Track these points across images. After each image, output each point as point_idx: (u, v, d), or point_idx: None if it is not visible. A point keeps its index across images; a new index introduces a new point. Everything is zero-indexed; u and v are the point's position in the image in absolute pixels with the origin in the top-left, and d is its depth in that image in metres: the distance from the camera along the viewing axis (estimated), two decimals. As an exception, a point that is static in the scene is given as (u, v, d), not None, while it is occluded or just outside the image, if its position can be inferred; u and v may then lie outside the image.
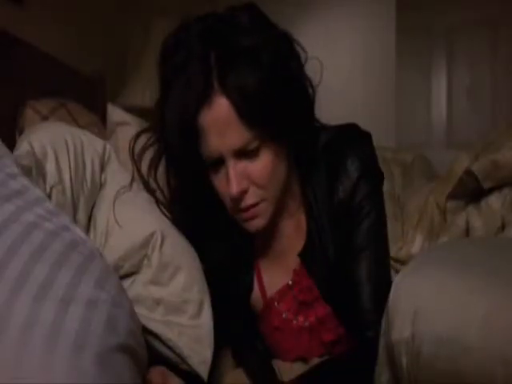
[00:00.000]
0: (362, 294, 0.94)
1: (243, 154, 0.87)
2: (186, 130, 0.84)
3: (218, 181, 0.90)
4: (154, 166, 0.94)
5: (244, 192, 0.88)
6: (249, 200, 0.90)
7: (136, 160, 0.95)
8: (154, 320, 0.88)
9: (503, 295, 0.72)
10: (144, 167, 0.97)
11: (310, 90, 0.93)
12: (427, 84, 4.23)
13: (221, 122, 0.84)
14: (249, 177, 0.88)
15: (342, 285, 0.98)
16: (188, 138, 0.84)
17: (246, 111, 0.83)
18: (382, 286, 0.89)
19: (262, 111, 0.84)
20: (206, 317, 0.92)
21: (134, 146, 0.95)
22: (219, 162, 0.88)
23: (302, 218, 1.02)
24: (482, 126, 3.77)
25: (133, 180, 0.97)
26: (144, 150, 0.95)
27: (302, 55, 0.92)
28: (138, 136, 0.96)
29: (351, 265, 0.96)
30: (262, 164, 0.88)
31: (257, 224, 0.93)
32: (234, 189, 0.86)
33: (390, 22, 3.14)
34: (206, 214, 0.96)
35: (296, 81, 0.90)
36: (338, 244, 0.98)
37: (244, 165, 0.87)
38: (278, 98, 0.86)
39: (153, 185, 0.96)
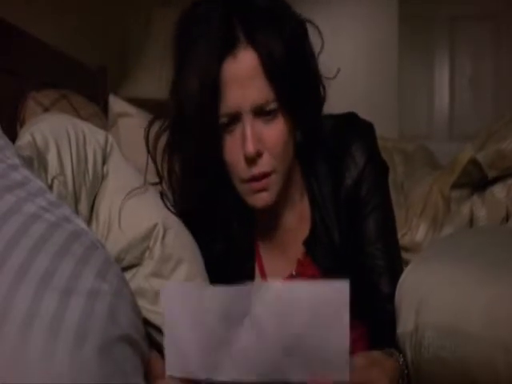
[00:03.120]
0: (381, 283, 0.95)
1: (261, 113, 0.86)
2: (207, 83, 0.82)
3: (232, 143, 0.88)
4: (167, 153, 0.93)
5: (258, 155, 0.87)
6: (262, 167, 0.88)
7: (150, 148, 0.94)
8: (155, 312, 0.88)
9: (505, 285, 0.73)
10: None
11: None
12: (429, 75, 4.21)
13: (245, 74, 0.83)
14: (264, 142, 0.87)
15: (348, 272, 0.98)
16: (209, 93, 0.82)
17: (273, 67, 0.83)
18: (398, 274, 0.90)
19: (286, 71, 0.84)
20: (208, 310, 0.92)
21: (148, 133, 0.94)
22: (234, 122, 0.86)
23: (306, 207, 1.02)
24: (484, 118, 3.76)
25: (146, 177, 0.96)
26: (158, 137, 0.94)
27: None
28: (152, 122, 0.95)
29: (365, 257, 0.97)
30: (277, 130, 0.87)
31: (265, 198, 0.91)
32: (251, 147, 0.85)
33: (392, 12, 3.12)
34: (207, 200, 0.94)
35: (312, 59, 0.91)
36: (344, 231, 0.98)
37: (260, 127, 0.86)
38: (300, 67, 0.86)
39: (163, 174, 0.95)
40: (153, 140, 0.94)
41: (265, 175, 0.89)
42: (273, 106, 0.86)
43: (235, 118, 0.86)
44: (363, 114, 1.03)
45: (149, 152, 0.95)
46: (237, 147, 0.87)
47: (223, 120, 0.86)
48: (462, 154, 1.32)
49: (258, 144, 0.86)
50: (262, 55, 0.83)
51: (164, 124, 0.93)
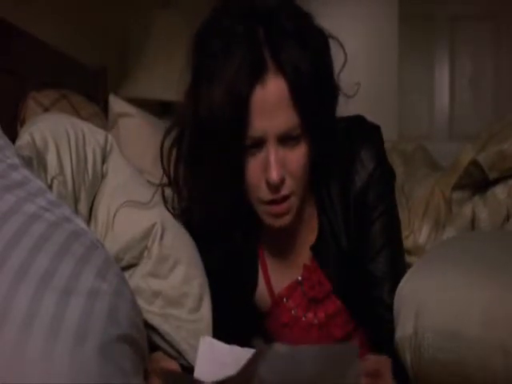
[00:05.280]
0: (383, 292, 0.95)
1: (285, 139, 0.85)
2: (235, 106, 0.81)
3: (254, 166, 0.87)
4: (179, 161, 0.92)
5: (282, 181, 0.86)
6: (284, 190, 0.88)
7: (164, 157, 0.93)
8: (151, 313, 0.87)
9: (503, 287, 0.73)
10: (148, 162, 0.96)
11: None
12: (429, 75, 4.20)
13: (273, 103, 0.82)
14: (286, 166, 0.86)
15: (355, 277, 0.98)
16: (236, 115, 0.81)
17: (301, 93, 0.82)
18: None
19: (313, 97, 0.83)
20: (205, 311, 0.91)
21: (163, 143, 0.93)
22: (258, 146, 0.85)
23: (313, 212, 1.01)
24: (484, 118, 3.75)
25: (159, 185, 0.96)
26: (173, 146, 0.93)
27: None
28: (169, 131, 0.94)
29: (369, 264, 0.96)
30: (300, 155, 0.87)
31: (285, 220, 0.91)
32: (275, 174, 0.84)
33: (392, 12, 3.12)
34: (217, 207, 0.92)
35: (333, 79, 0.90)
36: (352, 235, 0.97)
37: (284, 153, 0.86)
38: (325, 89, 0.86)
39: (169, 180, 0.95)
40: (167, 153, 0.93)
41: (285, 198, 0.89)
42: (297, 131, 0.85)
43: (259, 142, 0.85)
44: (363, 114, 1.03)
45: (162, 159, 0.94)
46: (259, 170, 0.86)
47: (247, 142, 0.85)
48: (463, 155, 1.32)
49: (281, 170, 0.85)
50: (290, 83, 0.81)
51: (180, 134, 0.92)
